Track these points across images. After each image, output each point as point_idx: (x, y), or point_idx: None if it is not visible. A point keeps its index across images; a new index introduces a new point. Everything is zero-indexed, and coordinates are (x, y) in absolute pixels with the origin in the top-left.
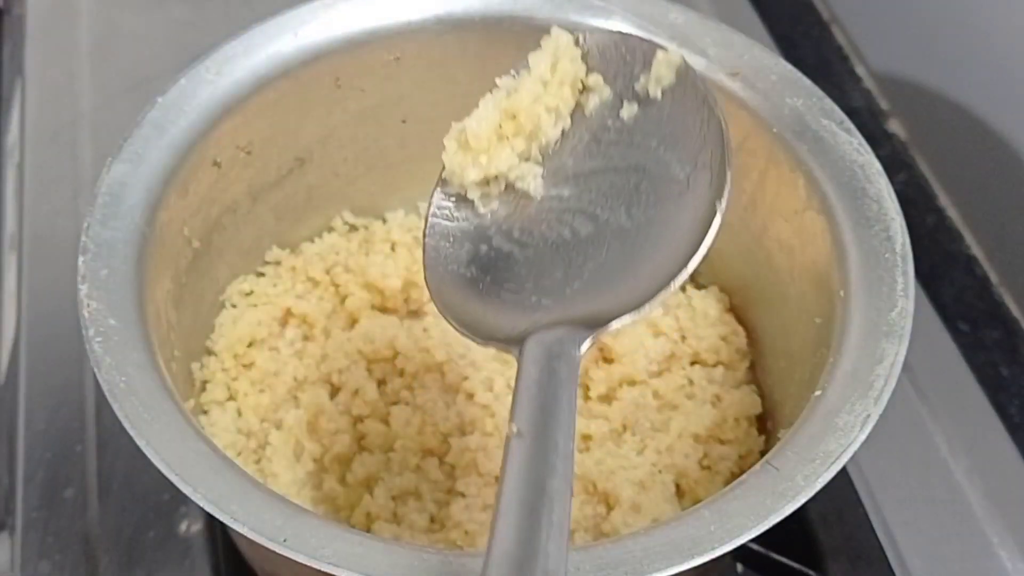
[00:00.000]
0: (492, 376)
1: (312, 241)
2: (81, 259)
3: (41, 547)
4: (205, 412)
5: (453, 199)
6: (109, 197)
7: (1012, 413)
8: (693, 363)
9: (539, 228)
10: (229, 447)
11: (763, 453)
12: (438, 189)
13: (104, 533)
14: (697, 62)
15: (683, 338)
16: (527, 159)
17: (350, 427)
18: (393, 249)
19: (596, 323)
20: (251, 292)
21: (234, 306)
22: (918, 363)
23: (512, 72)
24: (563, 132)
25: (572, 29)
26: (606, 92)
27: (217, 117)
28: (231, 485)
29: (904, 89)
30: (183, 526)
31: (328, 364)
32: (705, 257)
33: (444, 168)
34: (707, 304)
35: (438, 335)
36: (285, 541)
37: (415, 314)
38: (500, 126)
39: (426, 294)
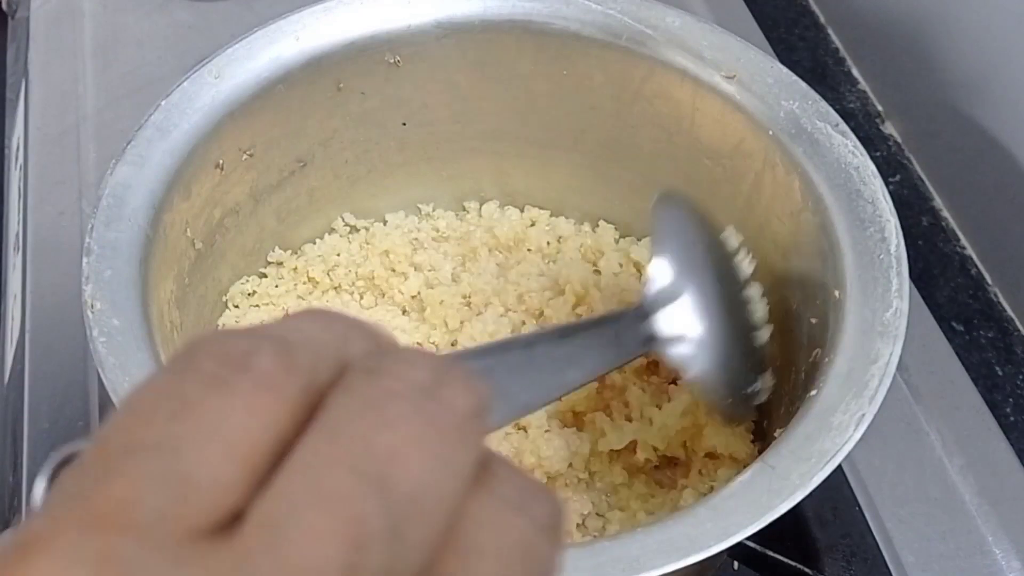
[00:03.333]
0: None
1: (313, 242)
2: (85, 260)
3: None
4: None
5: None
6: (113, 199)
7: (1006, 412)
8: None
9: None
10: None
11: (759, 452)
12: None
13: None
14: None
15: None
16: None
17: None
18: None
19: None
20: (253, 293)
21: (236, 306)
22: (913, 363)
23: None
24: None
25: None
26: None
27: (219, 120)
28: None
29: (899, 91)
30: None
31: None
32: None
33: None
34: None
35: (439, 335)
36: None
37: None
38: None
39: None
